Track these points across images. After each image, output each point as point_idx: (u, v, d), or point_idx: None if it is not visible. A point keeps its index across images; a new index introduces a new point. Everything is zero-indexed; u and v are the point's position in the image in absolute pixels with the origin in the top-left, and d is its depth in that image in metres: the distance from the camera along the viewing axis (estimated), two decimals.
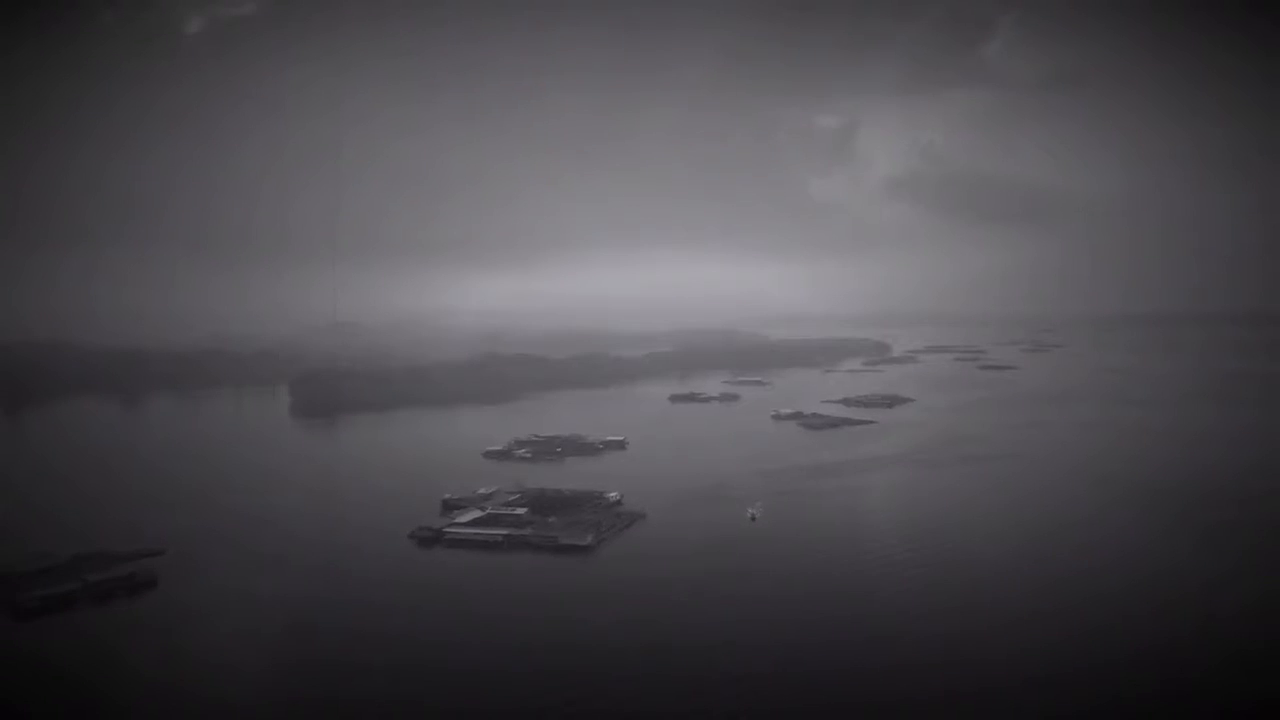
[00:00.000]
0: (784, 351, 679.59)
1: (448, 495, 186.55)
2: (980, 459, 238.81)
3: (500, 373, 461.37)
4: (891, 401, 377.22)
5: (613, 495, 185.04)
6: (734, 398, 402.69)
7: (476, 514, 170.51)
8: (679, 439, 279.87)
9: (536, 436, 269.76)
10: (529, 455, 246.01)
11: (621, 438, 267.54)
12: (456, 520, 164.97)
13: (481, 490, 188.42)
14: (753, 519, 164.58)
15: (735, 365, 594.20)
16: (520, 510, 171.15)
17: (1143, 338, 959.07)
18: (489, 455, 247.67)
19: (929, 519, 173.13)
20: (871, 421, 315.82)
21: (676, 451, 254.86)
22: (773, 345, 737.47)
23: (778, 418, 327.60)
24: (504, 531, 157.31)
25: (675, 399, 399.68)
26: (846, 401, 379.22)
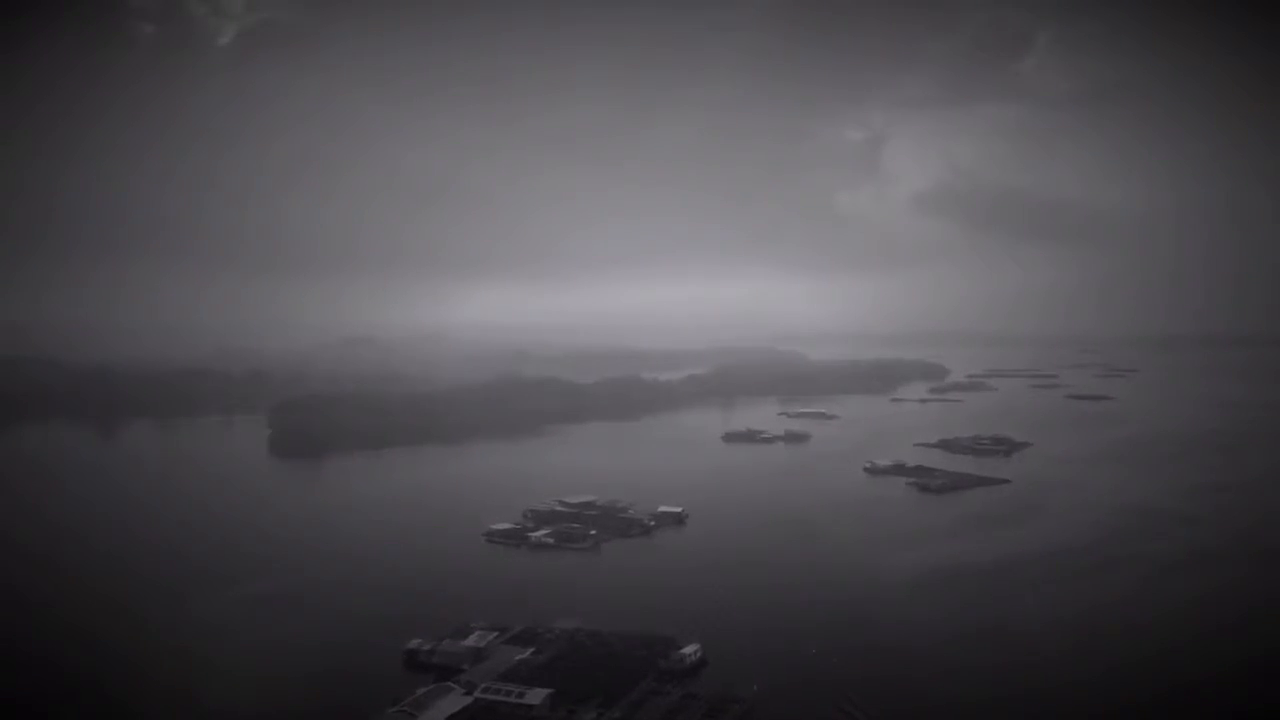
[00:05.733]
0: (832, 374, 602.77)
1: (416, 642, 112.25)
2: (1246, 560, 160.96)
3: (521, 401, 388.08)
4: (1007, 447, 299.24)
5: (689, 650, 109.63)
6: (802, 437, 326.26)
7: (459, 698, 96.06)
8: (753, 508, 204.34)
9: (561, 505, 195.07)
10: (550, 540, 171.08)
11: (678, 509, 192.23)
12: None
13: (472, 639, 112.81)
14: None
15: (782, 391, 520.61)
16: (533, 698, 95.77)
17: (1211, 361, 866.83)
18: (494, 540, 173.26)
19: None
20: (1002, 480, 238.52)
21: (758, 533, 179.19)
22: (817, 367, 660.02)
23: (873, 471, 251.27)
24: None
25: (730, 439, 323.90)
26: (946, 445, 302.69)
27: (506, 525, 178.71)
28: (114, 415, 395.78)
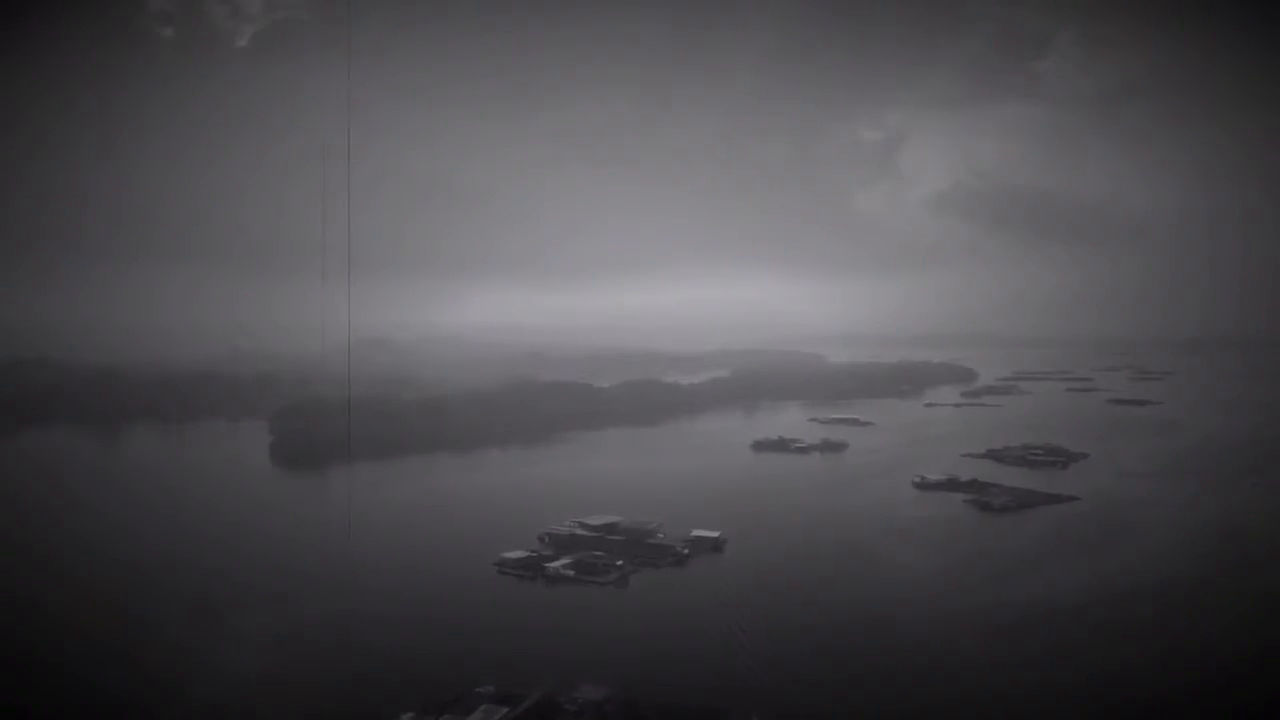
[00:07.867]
0: (858, 377, 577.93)
1: (408, 717, 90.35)
2: None
3: (536, 406, 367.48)
4: (1063, 458, 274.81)
5: None
6: (838, 446, 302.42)
7: None
8: (798, 531, 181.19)
9: (582, 527, 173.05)
10: (570, 572, 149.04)
11: (715, 534, 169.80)
12: None
13: (476, 715, 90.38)
14: None
15: (808, 395, 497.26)
16: None
17: (1246, 364, 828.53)
18: (506, 570, 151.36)
19: None
20: (1071, 497, 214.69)
21: (808, 563, 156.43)
22: (841, 370, 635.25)
23: (924, 486, 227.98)
24: None
25: (761, 447, 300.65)
26: (996, 456, 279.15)
27: (520, 553, 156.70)
28: (117, 419, 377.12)
